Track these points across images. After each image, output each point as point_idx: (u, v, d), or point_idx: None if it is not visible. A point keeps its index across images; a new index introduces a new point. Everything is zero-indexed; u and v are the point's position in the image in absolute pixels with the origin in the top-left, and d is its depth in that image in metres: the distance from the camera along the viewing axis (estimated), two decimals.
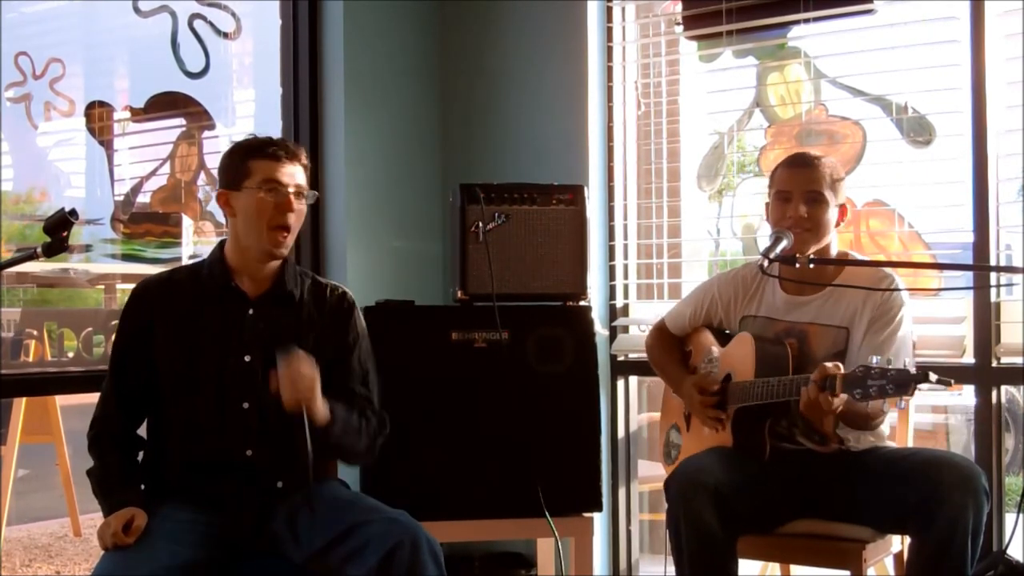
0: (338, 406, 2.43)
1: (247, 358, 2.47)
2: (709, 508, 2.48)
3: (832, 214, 2.72)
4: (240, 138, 2.65)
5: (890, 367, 2.30)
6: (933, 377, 2.26)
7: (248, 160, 2.47)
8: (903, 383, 2.27)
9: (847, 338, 2.71)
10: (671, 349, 3.05)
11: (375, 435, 2.55)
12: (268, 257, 2.49)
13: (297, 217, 2.48)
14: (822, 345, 2.72)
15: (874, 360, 2.32)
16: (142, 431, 2.55)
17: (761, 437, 2.67)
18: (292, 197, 2.46)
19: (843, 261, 2.77)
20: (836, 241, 2.79)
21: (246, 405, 2.46)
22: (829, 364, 2.41)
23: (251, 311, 2.50)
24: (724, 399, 2.77)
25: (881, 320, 2.67)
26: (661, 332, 3.09)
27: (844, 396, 2.38)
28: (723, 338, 2.91)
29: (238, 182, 2.47)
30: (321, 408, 2.35)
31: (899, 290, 2.71)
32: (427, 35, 3.97)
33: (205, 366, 2.46)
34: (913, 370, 2.29)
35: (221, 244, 2.57)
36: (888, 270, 2.78)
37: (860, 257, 2.95)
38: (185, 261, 3.69)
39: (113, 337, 2.62)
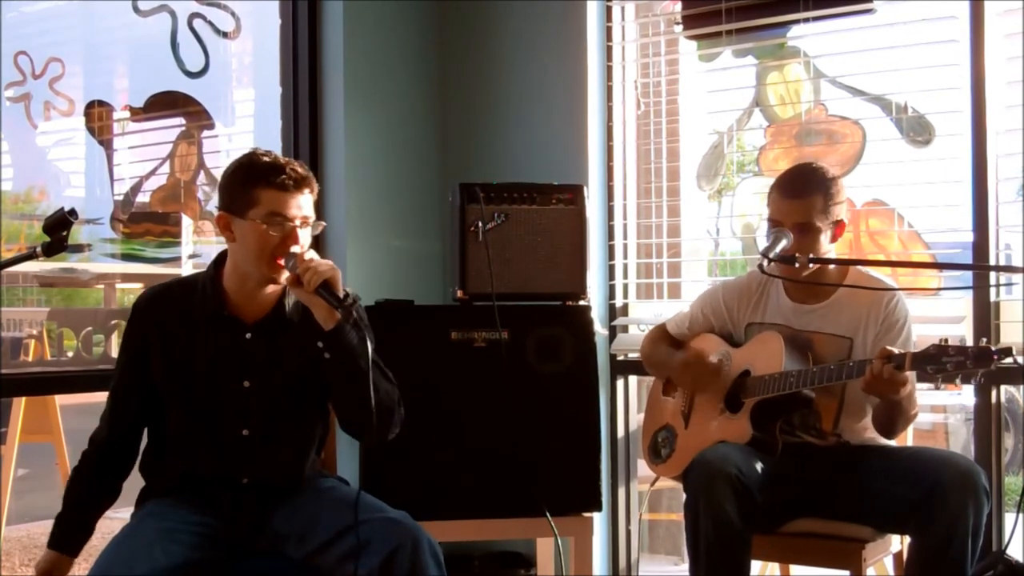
0: None
1: (246, 383, 2.43)
2: (730, 497, 2.49)
3: (826, 237, 2.71)
4: (244, 148, 2.50)
5: (967, 344, 2.33)
6: (1016, 354, 2.30)
7: (254, 187, 2.32)
8: (983, 357, 2.29)
9: (851, 348, 2.72)
10: (665, 343, 3.06)
11: (398, 395, 2.44)
12: (268, 283, 2.40)
13: (302, 248, 2.33)
14: (826, 353, 2.73)
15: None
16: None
17: (775, 432, 2.69)
18: (298, 230, 2.33)
19: (843, 260, 2.78)
20: (833, 252, 2.79)
21: (246, 432, 2.43)
22: (889, 347, 2.45)
23: (248, 335, 2.44)
24: (740, 393, 2.78)
25: (891, 332, 2.69)
26: (660, 332, 3.09)
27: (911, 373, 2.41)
28: (732, 343, 2.90)
29: (242, 210, 2.33)
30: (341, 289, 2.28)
31: (894, 288, 2.75)
32: (427, 35, 3.97)
33: (201, 391, 2.42)
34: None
35: (217, 261, 2.47)
36: (890, 283, 2.80)
37: (859, 259, 2.96)
38: (184, 260, 3.69)
39: (117, 352, 2.58)
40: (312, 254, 2.33)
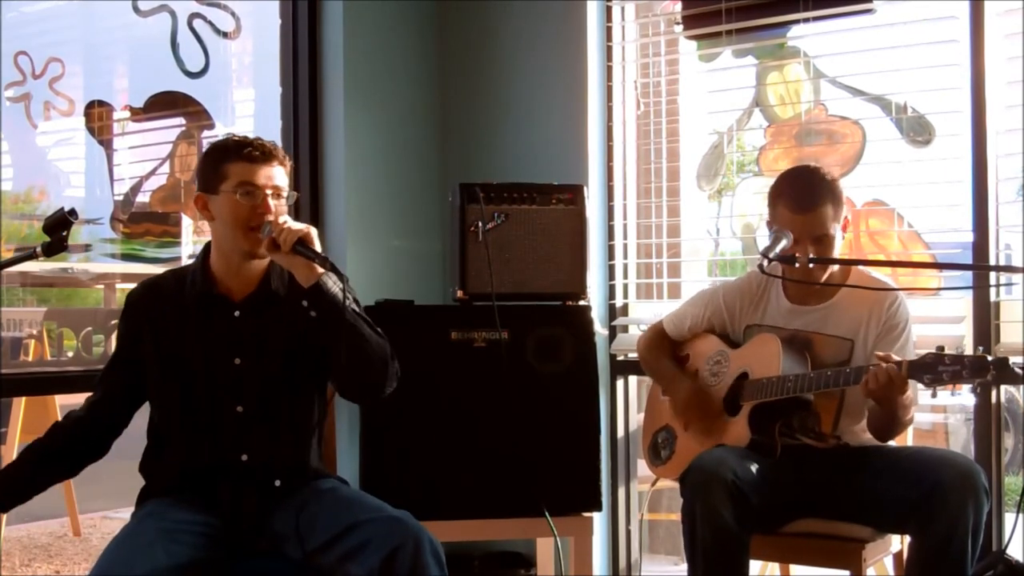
0: None
1: (237, 361, 2.46)
2: (726, 502, 2.49)
3: (838, 239, 2.71)
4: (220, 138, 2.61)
5: (964, 354, 2.33)
6: (1015, 359, 2.31)
7: (223, 163, 2.42)
8: (979, 368, 2.30)
9: (851, 349, 2.72)
10: (664, 351, 3.05)
11: (389, 348, 2.45)
12: (250, 257, 2.45)
13: (276, 218, 2.40)
14: (826, 354, 2.73)
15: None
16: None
17: (773, 435, 2.69)
18: (269, 199, 2.40)
19: (843, 261, 2.77)
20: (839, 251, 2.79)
21: (240, 409, 2.45)
22: (883, 354, 2.46)
23: (237, 313, 2.48)
24: (737, 396, 2.78)
25: (892, 334, 2.69)
26: (656, 333, 3.09)
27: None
28: (730, 343, 2.91)
29: (214, 186, 2.42)
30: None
31: (895, 288, 2.75)
32: (427, 35, 3.97)
33: (195, 373, 2.44)
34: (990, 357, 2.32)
35: (206, 248, 2.53)
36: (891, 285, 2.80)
37: (859, 259, 2.96)
38: (185, 260, 3.69)
39: (114, 341, 2.63)
40: (286, 217, 2.38)
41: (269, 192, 2.41)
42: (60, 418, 2.57)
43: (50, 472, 2.51)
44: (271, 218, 2.38)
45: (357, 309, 2.42)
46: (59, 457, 2.49)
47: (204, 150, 2.52)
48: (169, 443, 2.48)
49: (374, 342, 2.41)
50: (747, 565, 2.56)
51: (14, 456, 4.32)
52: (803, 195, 2.69)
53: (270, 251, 2.39)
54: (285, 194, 2.45)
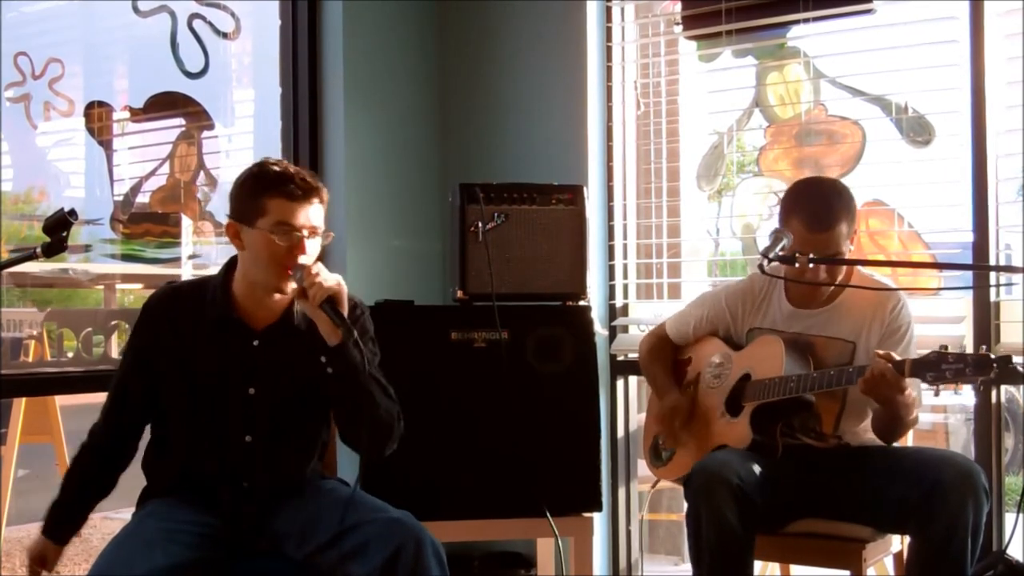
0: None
1: (251, 391, 2.43)
2: (731, 505, 2.49)
3: (846, 253, 2.70)
4: (244, 148, 2.53)
5: (966, 351, 2.34)
6: (1017, 359, 2.30)
7: (263, 197, 2.33)
8: (983, 365, 2.30)
9: (853, 352, 2.72)
10: (663, 356, 3.05)
11: (398, 411, 2.44)
12: (275, 291, 2.40)
13: (310, 258, 2.34)
14: (828, 357, 2.73)
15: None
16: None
17: (775, 436, 2.69)
18: (305, 240, 2.33)
19: (843, 261, 2.76)
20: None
21: (248, 439, 2.43)
22: (883, 352, 2.46)
23: (256, 343, 2.44)
24: (739, 397, 2.78)
25: (894, 336, 2.69)
26: (659, 338, 3.08)
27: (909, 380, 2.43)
28: (733, 346, 2.90)
29: (251, 219, 2.34)
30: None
31: (897, 289, 2.74)
32: (427, 35, 3.97)
33: (206, 396, 2.42)
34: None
35: (229, 266, 2.48)
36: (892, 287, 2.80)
37: (859, 259, 2.95)
38: (184, 261, 3.69)
39: (123, 348, 2.59)
40: (320, 268, 2.33)
41: (305, 233, 2.35)
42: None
43: (93, 490, 2.49)
44: (305, 261, 2.32)
45: (373, 372, 2.38)
46: (96, 472, 2.49)
47: (242, 175, 2.41)
48: (173, 450, 2.47)
49: (384, 407, 2.38)
50: (751, 566, 2.57)
51: (14, 457, 4.31)
52: (820, 215, 2.67)
53: (298, 298, 2.34)
54: (320, 233, 2.39)
